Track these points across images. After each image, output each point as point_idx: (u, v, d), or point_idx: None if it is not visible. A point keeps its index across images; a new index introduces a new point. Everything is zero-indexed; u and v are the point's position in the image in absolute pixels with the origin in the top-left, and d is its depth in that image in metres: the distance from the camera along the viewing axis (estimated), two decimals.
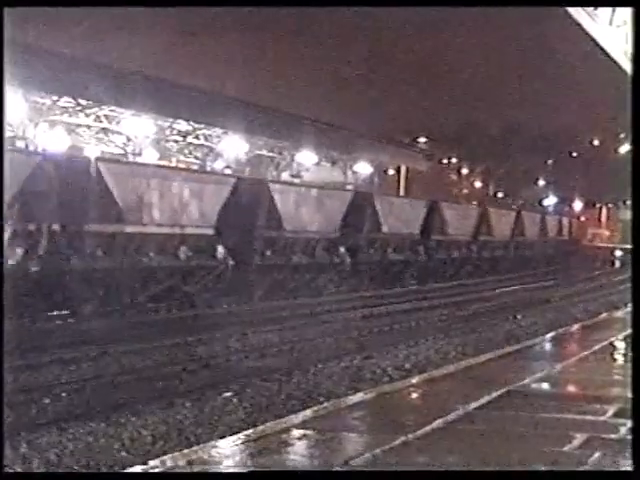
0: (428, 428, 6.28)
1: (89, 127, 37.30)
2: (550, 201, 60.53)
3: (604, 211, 56.32)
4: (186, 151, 42.70)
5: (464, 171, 55.05)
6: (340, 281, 25.00)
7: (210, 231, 19.70)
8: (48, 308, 16.43)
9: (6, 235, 15.37)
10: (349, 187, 41.96)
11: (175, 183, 19.00)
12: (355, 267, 25.36)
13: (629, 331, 11.11)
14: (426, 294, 26.43)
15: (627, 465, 5.35)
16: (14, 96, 27.55)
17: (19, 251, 15.76)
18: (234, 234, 20.09)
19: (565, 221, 49.28)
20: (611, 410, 6.98)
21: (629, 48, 25.64)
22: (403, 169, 50.03)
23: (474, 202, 43.03)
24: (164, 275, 18.65)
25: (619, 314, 16.65)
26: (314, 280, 24.00)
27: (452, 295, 26.65)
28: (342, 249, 24.87)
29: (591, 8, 24.64)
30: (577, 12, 23.35)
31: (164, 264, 18.49)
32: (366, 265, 26.17)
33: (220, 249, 19.76)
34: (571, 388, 8.66)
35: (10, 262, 15.18)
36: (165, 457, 5.94)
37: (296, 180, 41.43)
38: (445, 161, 52.41)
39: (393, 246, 27.88)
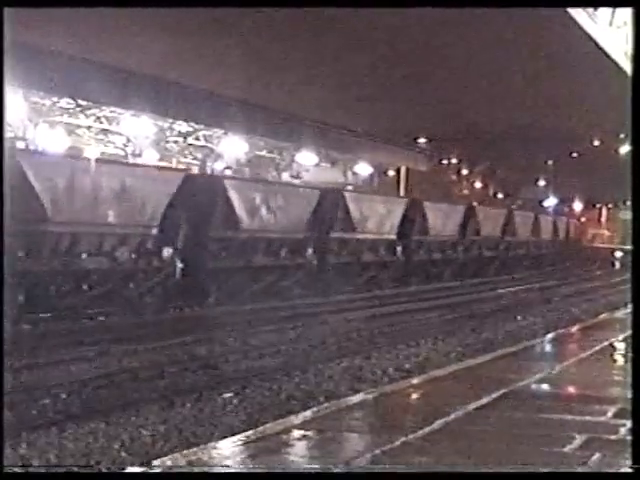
0: (428, 429, 6.29)
1: (89, 128, 37.28)
2: (550, 202, 60.49)
3: (604, 211, 56.33)
4: (186, 152, 42.69)
5: (464, 171, 55.04)
6: (458, 272, 33.13)
7: (394, 237, 28.44)
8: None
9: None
10: (349, 187, 42.11)
11: (379, 205, 27.86)
12: (464, 262, 34.06)
13: (629, 332, 11.11)
14: (426, 294, 26.53)
15: (627, 466, 5.36)
16: (14, 96, 27.54)
17: (311, 252, 23.96)
18: (405, 240, 29.13)
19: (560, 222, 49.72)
20: (611, 411, 6.98)
21: (629, 49, 25.63)
22: (403, 170, 49.99)
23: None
24: (374, 267, 27.54)
25: (619, 315, 16.65)
26: (443, 272, 32.33)
27: (452, 296, 26.72)
28: (460, 248, 33.53)
29: (591, 9, 24.63)
30: (577, 13, 23.34)
31: (369, 260, 27.21)
32: (470, 260, 34.66)
33: (399, 249, 28.72)
34: (571, 389, 8.66)
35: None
36: (165, 458, 5.94)
37: (296, 181, 41.49)
38: (445, 161, 52.37)
39: (486, 246, 36.24)
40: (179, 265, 19.33)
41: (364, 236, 26.65)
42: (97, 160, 21.95)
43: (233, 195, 21.11)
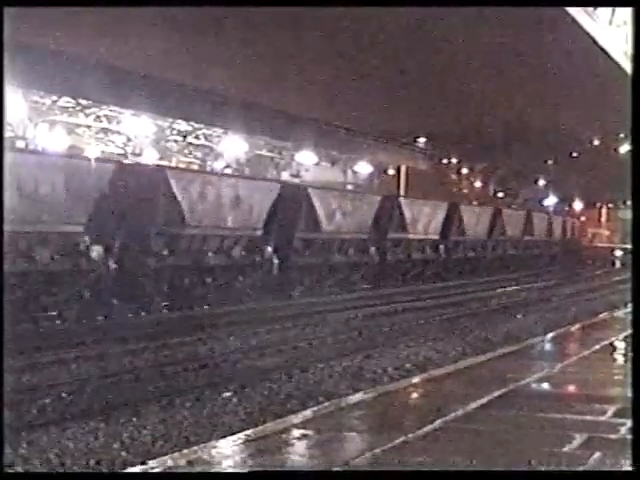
0: (428, 428, 6.29)
1: (89, 127, 37.25)
2: (550, 201, 60.43)
3: (604, 211, 56.30)
4: (186, 151, 42.65)
5: (464, 171, 55.00)
6: (488, 269, 36.51)
7: (437, 237, 32.27)
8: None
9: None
10: (349, 187, 42.16)
11: (426, 208, 31.43)
12: (492, 259, 37.83)
13: (629, 331, 11.12)
14: (426, 294, 26.53)
15: (627, 465, 5.36)
16: (14, 96, 27.54)
17: (374, 250, 27.77)
18: (446, 238, 32.99)
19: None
20: (611, 410, 6.99)
21: (629, 48, 25.63)
22: (403, 169, 49.98)
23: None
24: (421, 264, 31.38)
25: (619, 314, 16.66)
26: (476, 268, 35.84)
27: (452, 295, 26.73)
28: (489, 247, 37.51)
29: (591, 8, 24.61)
30: (577, 12, 23.33)
31: (418, 257, 30.98)
32: (496, 258, 38.35)
33: (442, 247, 32.48)
34: (571, 388, 8.66)
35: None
36: (165, 457, 5.94)
37: (296, 180, 41.49)
38: (445, 161, 52.35)
39: (509, 244, 39.67)
40: (275, 262, 22.85)
41: (414, 236, 30.38)
42: (221, 174, 27.39)
43: (316, 202, 24.64)
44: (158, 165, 29.54)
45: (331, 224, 25.12)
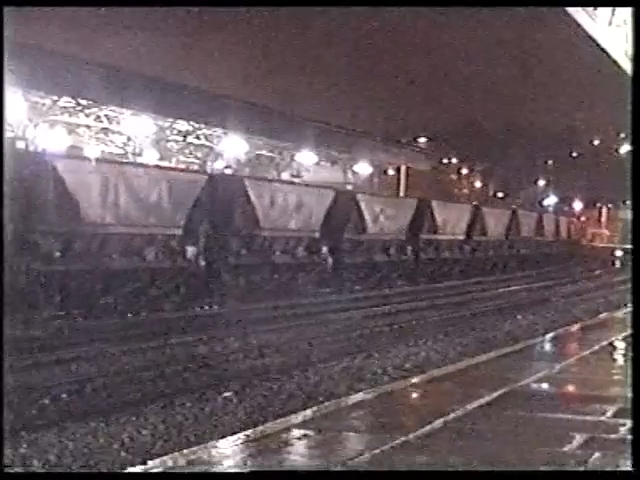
0: (428, 428, 6.29)
1: (89, 127, 37.22)
2: (550, 201, 60.41)
3: (604, 211, 56.31)
4: (186, 151, 42.63)
5: (464, 171, 55.01)
6: (505, 267, 38.68)
7: (463, 237, 34.28)
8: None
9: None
10: (349, 187, 42.15)
11: (455, 211, 33.76)
12: (508, 258, 40.00)
13: (629, 331, 11.12)
14: (426, 294, 26.52)
15: (627, 465, 5.36)
16: (14, 96, 27.53)
17: (410, 250, 29.94)
18: (470, 239, 34.81)
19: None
20: (611, 410, 6.98)
21: (629, 48, 25.62)
22: (403, 169, 49.99)
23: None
24: (450, 262, 33.35)
25: (619, 314, 16.65)
26: (495, 266, 37.69)
27: (452, 295, 26.70)
28: (505, 246, 39.38)
29: (591, 8, 24.60)
30: (577, 12, 23.33)
31: (446, 257, 32.86)
32: (511, 257, 40.38)
33: (466, 248, 34.46)
34: (571, 388, 8.66)
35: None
36: (165, 457, 5.93)
37: (296, 180, 41.49)
38: (445, 161, 52.36)
39: (522, 245, 41.53)
40: (330, 260, 25.35)
41: (444, 237, 32.68)
42: (287, 182, 30.77)
43: (363, 206, 27.19)
44: (238, 175, 32.55)
45: (375, 226, 27.59)
